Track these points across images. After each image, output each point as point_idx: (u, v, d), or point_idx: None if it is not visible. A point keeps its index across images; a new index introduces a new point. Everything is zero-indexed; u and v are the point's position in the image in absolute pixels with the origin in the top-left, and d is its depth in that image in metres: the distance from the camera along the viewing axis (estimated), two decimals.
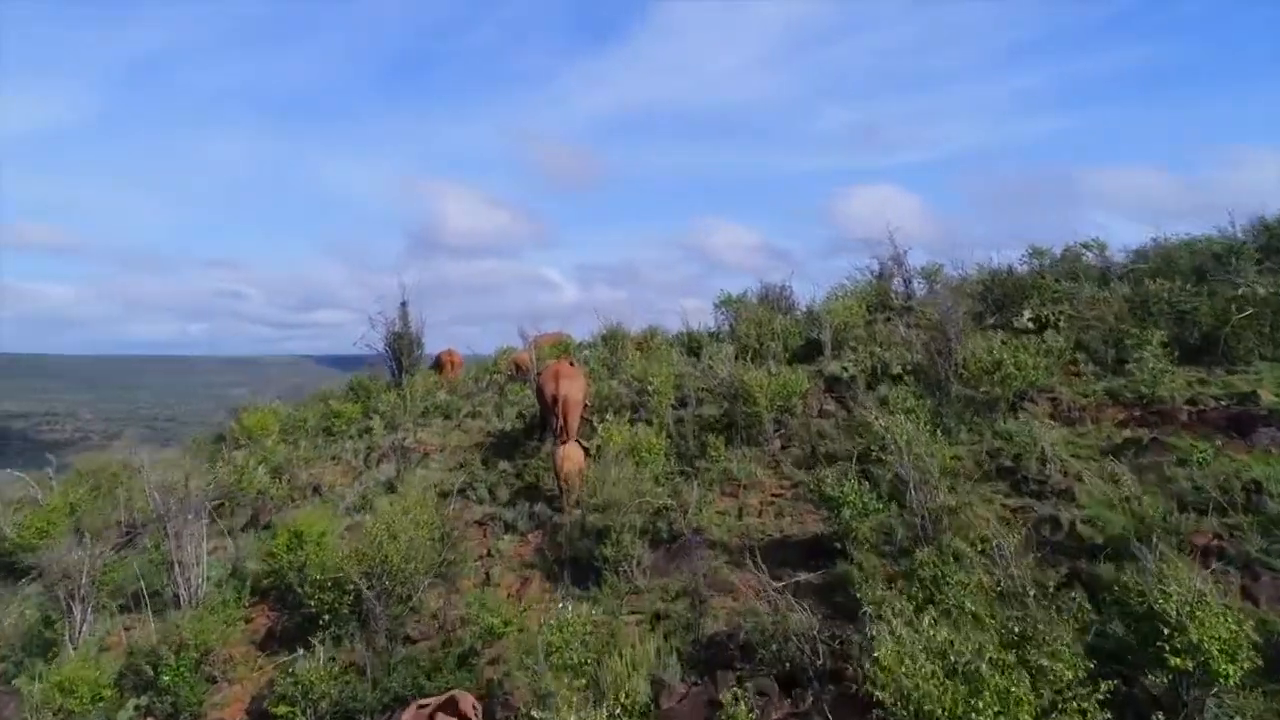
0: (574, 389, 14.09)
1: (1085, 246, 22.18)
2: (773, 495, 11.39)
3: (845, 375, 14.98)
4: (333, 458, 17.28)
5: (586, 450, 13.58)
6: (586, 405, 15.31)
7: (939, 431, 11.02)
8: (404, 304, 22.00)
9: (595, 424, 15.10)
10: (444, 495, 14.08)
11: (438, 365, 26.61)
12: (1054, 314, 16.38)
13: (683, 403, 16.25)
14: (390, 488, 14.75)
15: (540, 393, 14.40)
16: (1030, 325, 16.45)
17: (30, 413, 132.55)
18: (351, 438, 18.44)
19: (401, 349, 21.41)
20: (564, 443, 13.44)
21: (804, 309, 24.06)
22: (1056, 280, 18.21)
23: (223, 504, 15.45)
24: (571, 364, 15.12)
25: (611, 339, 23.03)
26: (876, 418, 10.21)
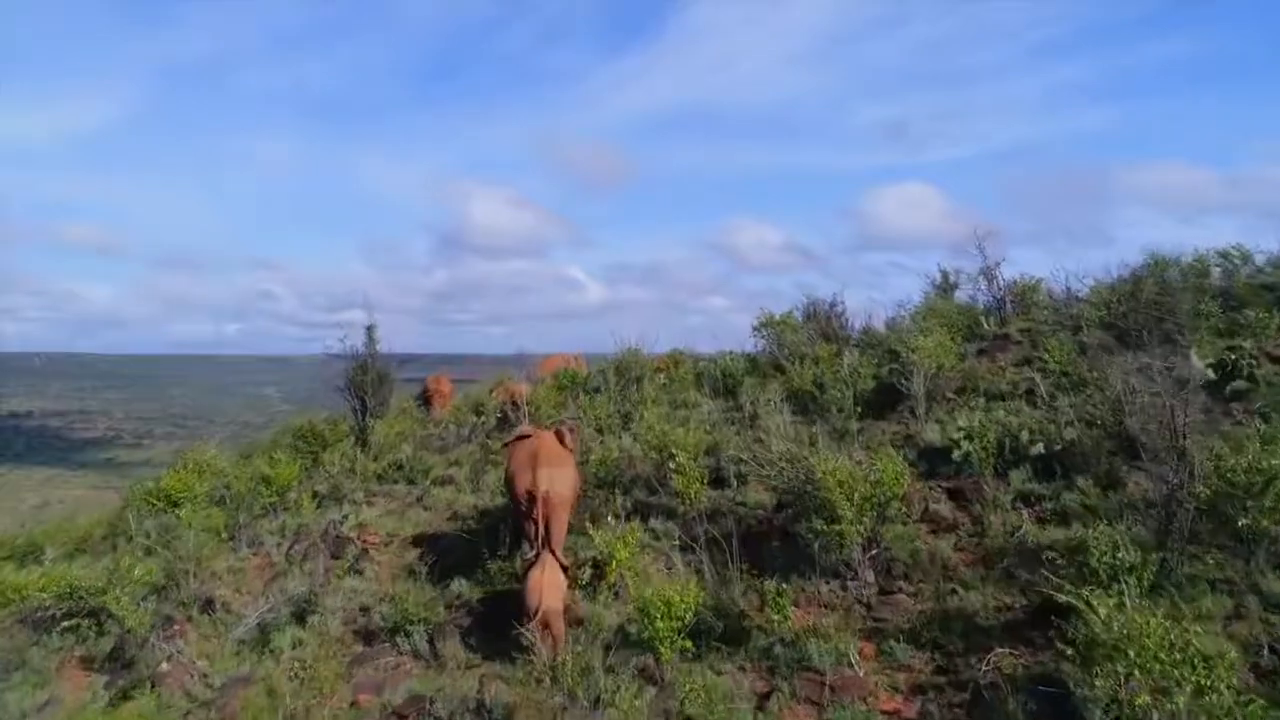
0: (561, 482, 9.21)
1: (1222, 256, 16.93)
2: (885, 712, 6.41)
3: (958, 455, 9.94)
4: (251, 544, 12.59)
5: (566, 570, 8.77)
6: (581, 493, 10.46)
7: (1168, 597, 6.05)
8: (370, 328, 17.28)
9: (591, 520, 10.24)
10: (367, 638, 9.33)
11: (424, 397, 22.01)
12: (1243, 358, 11.21)
13: (718, 479, 11.35)
14: (300, 613, 9.99)
15: (511, 484, 9.52)
16: (1209, 374, 11.29)
17: (66, 411, 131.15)
18: (289, 510, 13.73)
19: (365, 386, 16.67)
20: (541, 562, 8.63)
21: (859, 330, 19.19)
22: (1244, 307, 12.97)
23: (83, 620, 10.88)
24: (560, 434, 10.26)
25: (627, 367, 18.19)
26: (1105, 615, 5.17)
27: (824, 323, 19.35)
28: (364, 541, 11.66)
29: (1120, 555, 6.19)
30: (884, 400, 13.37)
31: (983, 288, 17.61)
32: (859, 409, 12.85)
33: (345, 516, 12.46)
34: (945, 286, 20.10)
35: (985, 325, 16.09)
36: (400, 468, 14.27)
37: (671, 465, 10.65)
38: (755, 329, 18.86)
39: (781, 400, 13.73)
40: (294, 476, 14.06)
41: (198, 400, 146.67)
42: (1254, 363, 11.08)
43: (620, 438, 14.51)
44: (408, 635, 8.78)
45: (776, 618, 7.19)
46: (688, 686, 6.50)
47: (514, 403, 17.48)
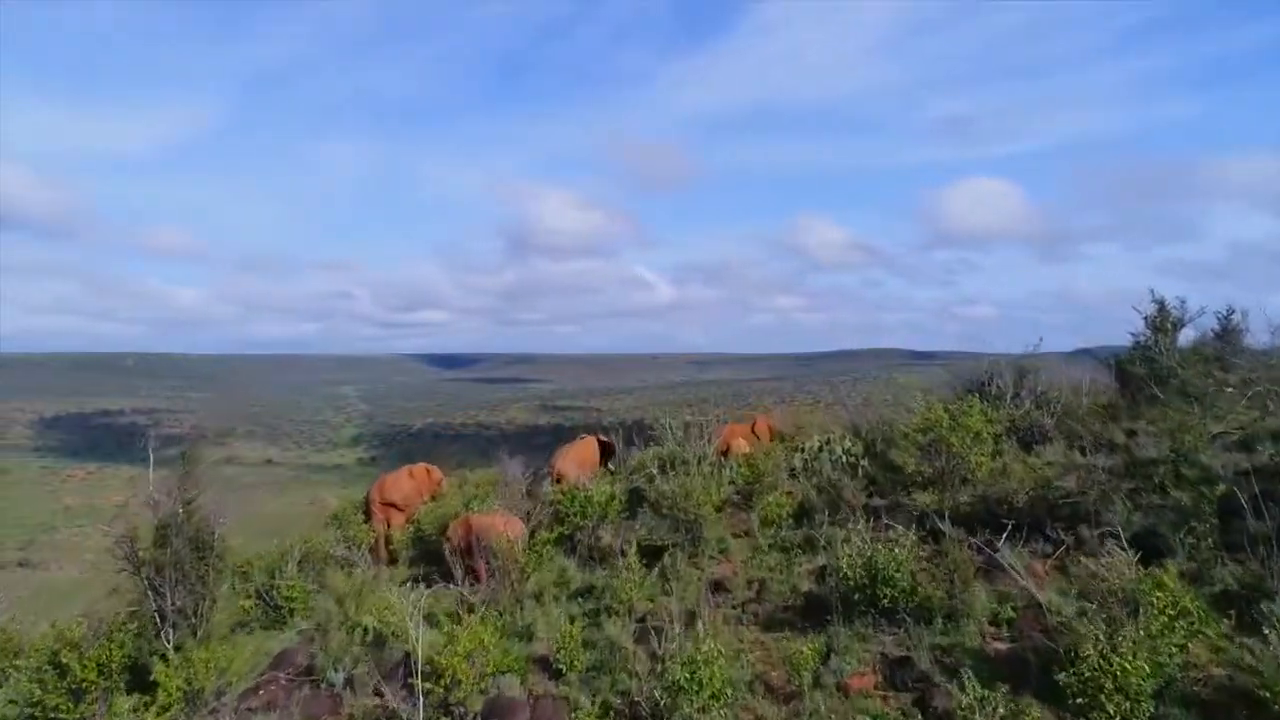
0: None
1: None
2: None
3: None
4: None
5: None
6: None
7: None
8: (184, 454, 8.80)
9: None
10: None
11: (366, 511, 13.77)
12: None
13: None
14: None
15: None
16: None
17: (155, 409, 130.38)
18: None
19: (165, 568, 8.12)
20: None
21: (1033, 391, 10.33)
22: None
23: None
24: None
25: (681, 500, 9.20)
26: None
27: (1012, 413, 10.16)
28: None
29: None
30: None
31: None
32: None
33: None
34: (1226, 329, 11.23)
35: None
36: None
37: None
38: (914, 432, 9.63)
39: None
40: None
41: (278, 399, 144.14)
42: None
43: None
44: None
45: None
46: None
47: (475, 542, 8.99)
